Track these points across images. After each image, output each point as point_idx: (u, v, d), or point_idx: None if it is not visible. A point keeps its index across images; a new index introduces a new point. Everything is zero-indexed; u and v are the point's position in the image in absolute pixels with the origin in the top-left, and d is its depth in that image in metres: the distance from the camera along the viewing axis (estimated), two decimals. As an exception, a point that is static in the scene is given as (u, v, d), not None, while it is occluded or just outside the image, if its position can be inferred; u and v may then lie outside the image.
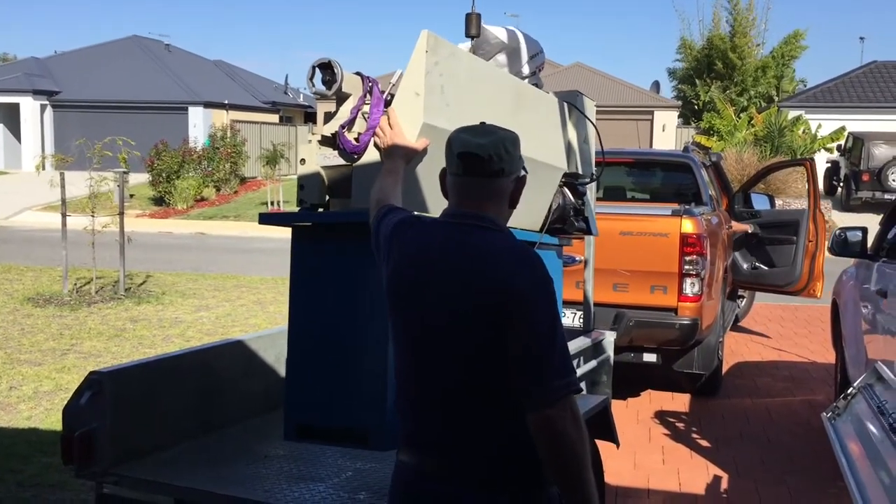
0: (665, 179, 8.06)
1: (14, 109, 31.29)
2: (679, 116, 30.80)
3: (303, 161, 2.97)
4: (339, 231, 2.85)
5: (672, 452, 5.23)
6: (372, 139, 2.70)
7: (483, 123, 2.03)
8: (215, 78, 35.26)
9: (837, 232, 5.22)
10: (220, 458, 3.23)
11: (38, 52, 48.04)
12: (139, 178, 24.15)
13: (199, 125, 29.56)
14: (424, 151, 2.65)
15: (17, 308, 9.30)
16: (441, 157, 2.02)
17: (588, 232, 3.86)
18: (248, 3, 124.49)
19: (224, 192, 24.28)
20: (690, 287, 5.71)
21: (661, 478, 4.80)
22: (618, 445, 3.93)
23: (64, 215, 10.20)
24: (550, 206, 3.54)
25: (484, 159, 1.94)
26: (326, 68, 2.76)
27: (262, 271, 12.75)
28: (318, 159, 2.89)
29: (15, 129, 31.75)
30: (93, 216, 9.88)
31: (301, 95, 37.74)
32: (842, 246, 5.17)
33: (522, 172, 2.04)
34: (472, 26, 3.26)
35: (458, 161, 1.97)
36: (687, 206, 6.10)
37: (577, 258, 5.40)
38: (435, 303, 1.95)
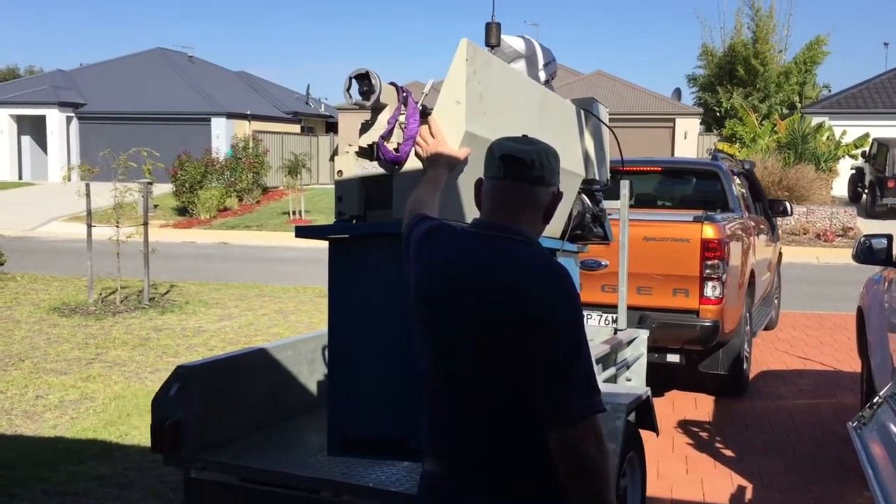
0: (693, 187, 8.15)
1: (40, 121, 31.76)
2: (701, 124, 30.66)
3: (339, 173, 2.98)
4: (378, 242, 2.85)
5: (696, 462, 5.19)
6: (413, 149, 2.71)
7: (525, 136, 2.04)
8: (238, 89, 35.59)
9: (862, 239, 5.15)
10: (294, 444, 3.46)
11: (63, 65, 48.75)
12: (163, 189, 24.38)
13: (222, 136, 29.84)
14: (466, 160, 2.65)
15: (43, 318, 9.41)
16: (481, 165, 2.02)
17: (605, 238, 3.86)
18: (270, 15, 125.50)
19: (246, 202, 24.45)
20: (712, 290, 5.86)
21: (685, 488, 4.76)
22: (657, 434, 4.23)
23: (89, 226, 10.31)
24: (570, 212, 3.54)
25: (526, 163, 1.94)
26: (363, 79, 2.78)
27: (283, 280, 12.82)
28: (355, 170, 2.90)
29: (41, 141, 32.23)
30: (117, 226, 9.98)
31: (322, 105, 37.97)
32: (866, 253, 5.10)
33: (559, 188, 2.04)
34: (493, 35, 3.27)
35: (499, 163, 1.96)
36: (710, 213, 6.19)
37: (602, 262, 5.86)
38: (458, 315, 1.94)
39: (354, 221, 2.99)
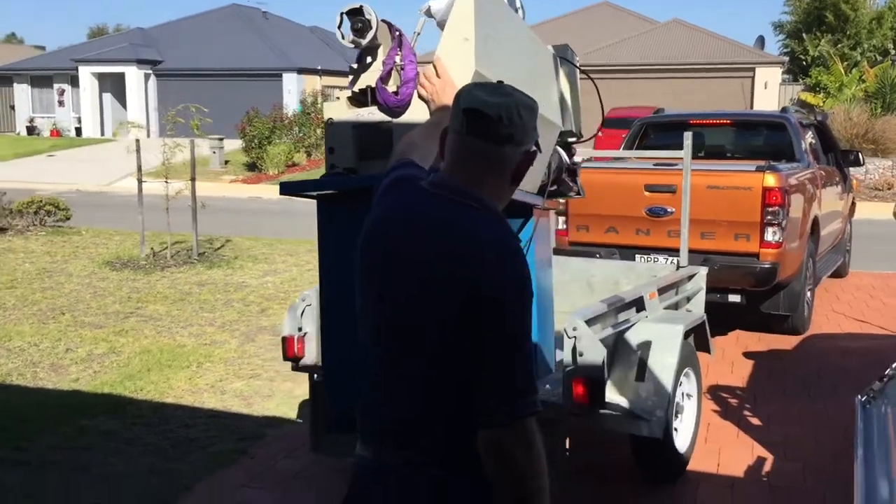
0: (761, 138, 8.55)
1: (120, 79, 32.50)
2: (786, 73, 29.32)
3: (330, 121, 2.81)
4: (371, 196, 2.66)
5: (717, 430, 4.92)
6: (416, 91, 2.51)
7: (501, 83, 1.78)
8: (310, 44, 35.67)
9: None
10: None
11: (148, 23, 49.79)
12: (235, 145, 24.71)
13: (293, 91, 30.03)
14: None
15: (95, 271, 9.62)
16: None
17: (578, 193, 3.61)
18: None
19: (315, 158, 24.55)
20: (772, 235, 6.27)
21: (700, 458, 4.50)
22: (711, 354, 4.83)
23: (140, 181, 10.53)
24: (549, 165, 3.31)
25: (492, 120, 1.70)
26: (357, 14, 2.60)
27: (337, 236, 12.81)
28: (351, 118, 2.72)
29: (122, 98, 33.00)
30: (167, 182, 10.07)
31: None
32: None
33: (533, 147, 1.78)
34: None
35: (462, 117, 1.72)
36: (773, 163, 6.58)
37: (668, 209, 6.45)
38: (400, 284, 1.73)
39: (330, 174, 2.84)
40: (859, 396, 3.27)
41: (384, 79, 2.59)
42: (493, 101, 1.71)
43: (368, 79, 2.66)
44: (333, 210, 2.74)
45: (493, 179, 1.76)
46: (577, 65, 3.51)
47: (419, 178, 1.86)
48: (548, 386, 3.84)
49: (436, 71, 2.27)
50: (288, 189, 2.90)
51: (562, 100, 3.43)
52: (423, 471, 1.73)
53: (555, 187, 3.38)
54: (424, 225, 1.74)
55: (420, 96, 2.38)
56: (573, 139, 3.49)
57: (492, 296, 1.63)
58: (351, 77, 2.73)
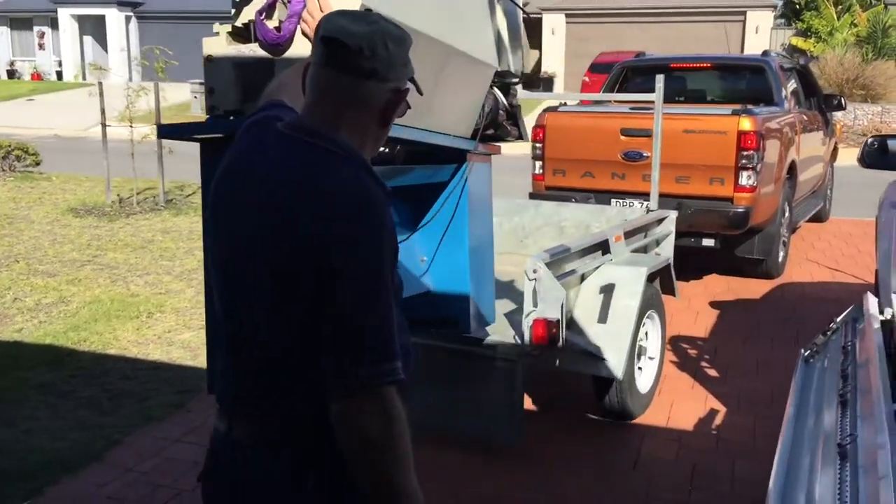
0: (740, 82, 8.47)
1: (101, 21, 31.82)
2: (780, 17, 28.79)
3: (209, 59, 2.56)
4: None
5: (672, 382, 4.79)
6: (299, 27, 2.29)
7: (369, 10, 1.60)
8: (296, -15, 34.91)
9: (870, 140, 4.52)
10: None
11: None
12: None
13: (277, 34, 29.44)
14: None
15: (58, 218, 9.41)
16: None
17: (520, 137, 3.41)
18: None
19: (298, 102, 24.21)
20: (746, 179, 6.23)
21: (650, 410, 4.39)
22: (677, 297, 4.94)
23: (104, 125, 10.33)
24: (483, 108, 3.10)
25: (352, 51, 1.51)
26: None
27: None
28: (232, 55, 2.49)
29: (103, 42, 32.35)
30: (131, 127, 9.82)
31: None
32: (875, 156, 4.47)
33: (406, 85, 1.59)
34: None
35: (321, 46, 1.54)
36: (749, 107, 6.49)
37: (644, 154, 6.36)
38: (240, 235, 1.57)
39: (231, 117, 2.61)
40: (803, 350, 3.13)
41: (265, 12, 2.35)
42: (355, 31, 1.51)
43: (251, 12, 2.42)
44: (219, 155, 2.53)
45: (353, 118, 1.58)
46: (519, 3, 3.27)
47: (280, 120, 1.67)
48: (493, 336, 3.73)
49: (319, 4, 2.06)
50: (167, 132, 2.63)
51: (498, 39, 3.21)
52: (273, 451, 1.57)
53: (491, 131, 3.17)
54: (279, 170, 1.55)
55: (304, 32, 2.17)
56: (514, 80, 3.26)
57: (342, 251, 1.46)
58: (234, 10, 2.49)
